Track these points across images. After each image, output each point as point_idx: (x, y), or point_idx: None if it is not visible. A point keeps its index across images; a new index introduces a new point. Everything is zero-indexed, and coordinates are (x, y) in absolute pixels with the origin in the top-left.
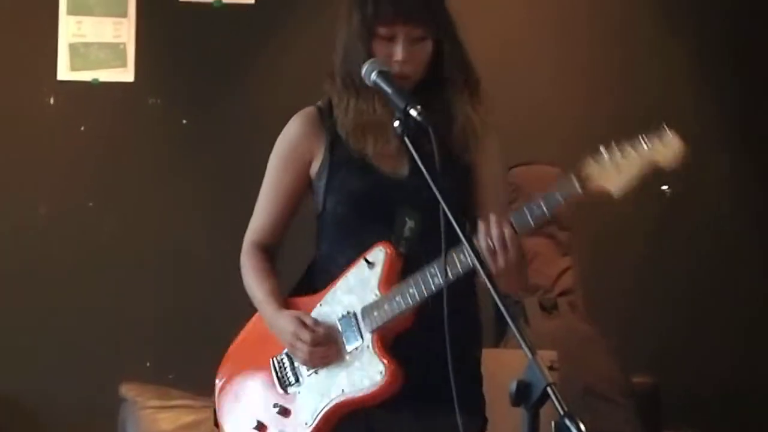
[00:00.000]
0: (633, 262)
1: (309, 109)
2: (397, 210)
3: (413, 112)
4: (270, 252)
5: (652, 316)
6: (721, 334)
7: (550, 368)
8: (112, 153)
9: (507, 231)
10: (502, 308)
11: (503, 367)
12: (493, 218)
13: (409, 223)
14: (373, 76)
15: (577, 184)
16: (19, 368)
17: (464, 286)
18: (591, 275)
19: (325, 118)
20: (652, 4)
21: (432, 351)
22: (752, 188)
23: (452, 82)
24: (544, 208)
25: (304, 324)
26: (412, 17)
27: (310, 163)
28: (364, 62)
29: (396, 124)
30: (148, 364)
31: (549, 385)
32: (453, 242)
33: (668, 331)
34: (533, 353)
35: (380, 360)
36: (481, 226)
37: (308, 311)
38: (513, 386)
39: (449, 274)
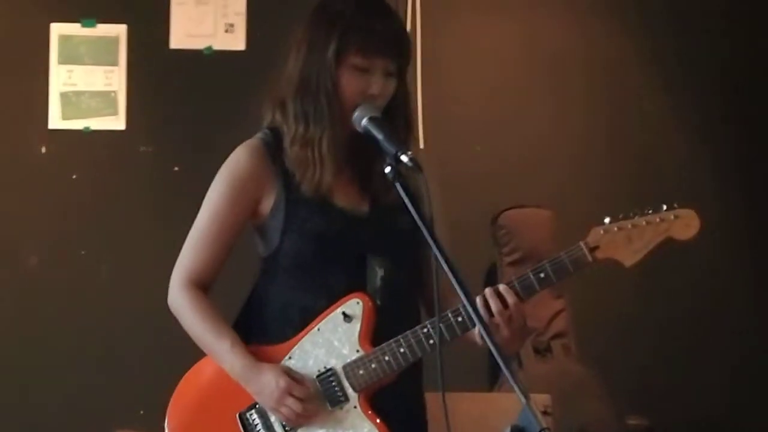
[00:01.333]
0: (626, 304)
1: (255, 142)
2: (362, 256)
3: (404, 158)
4: (206, 291)
5: (646, 357)
6: (716, 375)
7: (544, 413)
8: (104, 201)
9: (511, 300)
10: (495, 353)
11: (497, 411)
12: (490, 291)
13: (380, 273)
14: (364, 122)
15: (587, 253)
16: (11, 417)
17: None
18: (584, 317)
19: (273, 151)
20: (645, 46)
21: (399, 397)
22: (743, 228)
23: (396, 121)
24: (551, 274)
25: (295, 380)
26: (394, 51)
27: (259, 201)
28: (330, 92)
29: (387, 170)
30: (141, 411)
31: (543, 430)
32: (415, 289)
33: (663, 372)
34: (527, 398)
35: (372, 423)
36: (480, 298)
37: (275, 363)
38: (507, 431)
39: (447, 336)
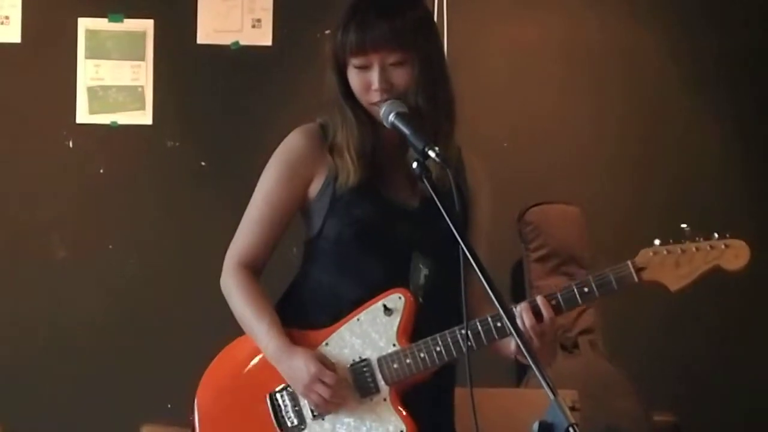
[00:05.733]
0: (654, 300)
1: (312, 125)
2: (406, 251)
3: (432, 153)
4: (257, 273)
5: (673, 353)
6: (743, 372)
7: (572, 408)
8: (131, 195)
9: (547, 315)
10: (523, 349)
11: (524, 406)
12: (526, 305)
13: (424, 271)
14: (391, 117)
15: (633, 273)
16: (39, 411)
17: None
18: (611, 313)
19: (329, 136)
20: (683, 46)
21: (428, 395)
22: None
23: (425, 112)
24: (595, 289)
25: (326, 366)
26: (381, 43)
27: (310, 182)
28: (338, 94)
29: (414, 165)
30: (169, 405)
31: (571, 425)
32: (459, 290)
33: (690, 368)
34: (555, 393)
35: (400, 417)
36: (518, 309)
37: (311, 348)
38: (535, 427)
39: (484, 340)
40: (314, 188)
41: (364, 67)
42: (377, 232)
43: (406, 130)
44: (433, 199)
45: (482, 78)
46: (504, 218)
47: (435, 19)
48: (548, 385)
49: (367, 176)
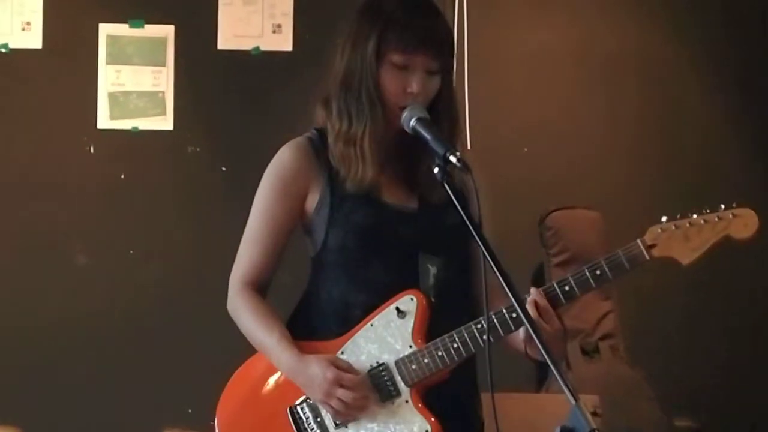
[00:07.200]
0: (675, 305)
1: (300, 140)
2: (411, 253)
3: (453, 159)
4: (262, 292)
5: (694, 358)
6: (765, 377)
7: (594, 413)
8: (151, 201)
9: (541, 302)
10: (545, 353)
11: (545, 412)
12: (528, 298)
13: (432, 270)
14: (412, 122)
15: (644, 250)
16: (60, 415)
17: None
18: (632, 318)
19: (319, 149)
20: (699, 50)
21: (454, 397)
22: None
23: (441, 121)
24: (607, 270)
25: (343, 369)
26: (434, 48)
27: (305, 197)
28: (375, 86)
29: (436, 170)
30: (189, 410)
31: (593, 430)
32: (468, 290)
33: (711, 374)
34: (576, 399)
35: (424, 417)
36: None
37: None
38: None
39: (501, 332)
40: (311, 202)
41: (403, 68)
42: (379, 236)
43: (427, 135)
44: (451, 201)
45: (501, 84)
46: (525, 223)
47: (455, 26)
48: (569, 389)
49: (370, 178)
